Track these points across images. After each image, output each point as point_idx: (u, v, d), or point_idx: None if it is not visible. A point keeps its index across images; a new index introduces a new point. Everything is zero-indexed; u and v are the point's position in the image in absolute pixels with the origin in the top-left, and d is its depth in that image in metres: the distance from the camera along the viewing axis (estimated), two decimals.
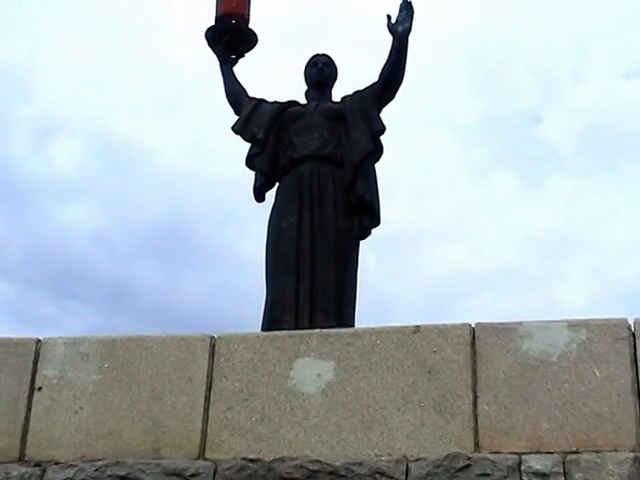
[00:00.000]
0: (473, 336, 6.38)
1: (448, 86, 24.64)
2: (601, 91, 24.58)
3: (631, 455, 5.78)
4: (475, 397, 6.21)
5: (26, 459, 6.48)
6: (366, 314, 8.22)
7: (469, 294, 22.97)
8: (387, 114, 8.68)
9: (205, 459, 6.28)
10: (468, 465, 5.91)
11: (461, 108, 24.99)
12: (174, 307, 23.48)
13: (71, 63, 24.92)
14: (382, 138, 8.61)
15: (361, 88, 8.82)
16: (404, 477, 5.96)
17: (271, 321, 7.98)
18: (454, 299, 22.43)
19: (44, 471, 6.34)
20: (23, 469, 6.37)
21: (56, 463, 6.36)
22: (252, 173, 8.83)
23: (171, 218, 24.81)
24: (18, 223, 25.07)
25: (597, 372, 6.11)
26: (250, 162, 8.83)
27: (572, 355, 6.19)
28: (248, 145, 8.84)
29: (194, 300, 23.35)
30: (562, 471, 5.79)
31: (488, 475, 5.86)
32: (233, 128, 8.91)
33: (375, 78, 8.78)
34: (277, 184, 8.76)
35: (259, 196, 8.85)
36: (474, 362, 6.30)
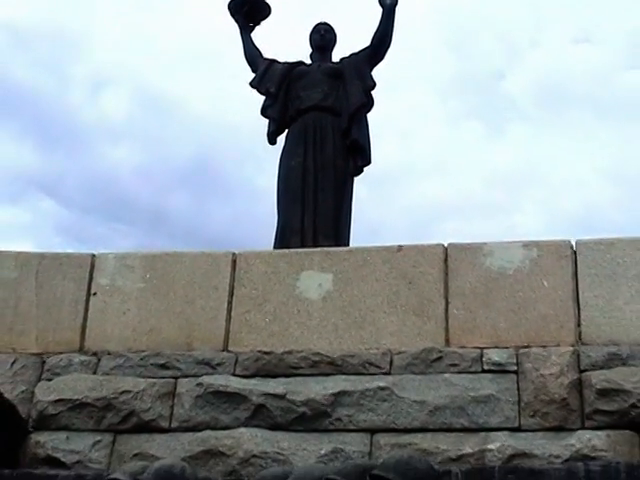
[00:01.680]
0: (446, 254, 6.46)
1: (428, 48, 24.46)
2: (554, 54, 24.44)
3: (570, 349, 5.90)
4: (446, 303, 6.31)
5: (85, 350, 6.56)
6: (359, 236, 8.29)
7: (443, 220, 22.94)
8: (377, 72, 8.71)
9: (228, 351, 6.37)
10: (440, 357, 6.03)
11: (438, 66, 24.93)
12: (202, 230, 23.51)
13: (118, 27, 24.77)
14: (373, 92, 8.64)
15: (356, 51, 8.82)
16: (389, 367, 6.07)
17: (281, 242, 8.03)
18: (431, 224, 22.43)
19: (99, 360, 6.43)
20: (83, 357, 6.46)
21: (109, 353, 6.45)
22: (266, 120, 8.84)
23: (200, 156, 24.77)
24: (76, 160, 24.98)
25: (545, 283, 6.20)
26: (264, 111, 8.84)
27: (525, 269, 6.28)
28: (263, 97, 8.86)
29: (218, 224, 23.36)
30: (515, 362, 5.91)
31: (456, 365, 5.99)
32: (251, 83, 8.92)
33: (367, 43, 8.79)
34: (286, 130, 8.79)
35: (272, 140, 8.86)
36: (446, 275, 6.39)
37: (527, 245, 6.37)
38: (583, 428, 5.67)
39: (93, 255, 6.93)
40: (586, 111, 24.69)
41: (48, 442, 6.08)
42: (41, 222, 24.14)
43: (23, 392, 6.33)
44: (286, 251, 7.02)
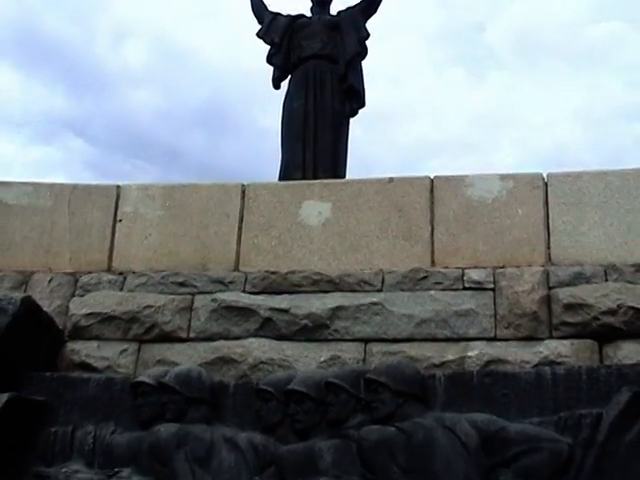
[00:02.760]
0: (432, 185, 6.45)
1: (416, 1, 24.23)
2: (530, 8, 24.21)
3: (541, 269, 5.95)
4: (432, 229, 6.32)
5: (112, 270, 6.60)
6: (354, 171, 8.26)
7: (430, 157, 22.88)
8: (371, 23, 8.62)
9: (239, 271, 6.40)
10: (426, 276, 6.06)
11: (425, 18, 24.71)
12: (214, 165, 23.54)
13: None
14: (367, 42, 8.55)
15: (352, 5, 8.72)
16: (380, 284, 6.11)
17: (285, 175, 7.98)
18: (418, 161, 22.36)
19: (125, 278, 6.47)
20: (110, 276, 6.51)
21: (133, 273, 6.49)
22: (271, 67, 8.76)
23: (212, 100, 24.72)
24: (102, 103, 24.89)
25: (519, 211, 6.22)
26: (269, 59, 8.75)
27: (502, 199, 6.29)
28: (268, 47, 8.77)
29: (229, 160, 23.36)
30: (492, 280, 5.95)
31: (440, 283, 6.02)
32: (257, 34, 8.81)
33: None
34: (289, 76, 8.72)
35: (276, 85, 8.78)
36: (432, 204, 6.39)
37: (504, 177, 6.37)
38: (551, 338, 5.72)
39: (118, 186, 6.91)
40: (558, 60, 24.50)
41: (82, 350, 6.13)
42: (71, 159, 24.11)
43: (59, 306, 6.36)
44: (289, 183, 7.02)
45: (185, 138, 24.92)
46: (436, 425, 5.00)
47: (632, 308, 5.59)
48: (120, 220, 6.77)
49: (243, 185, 6.74)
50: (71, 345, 6.17)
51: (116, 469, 5.37)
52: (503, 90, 24.49)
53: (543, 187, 6.29)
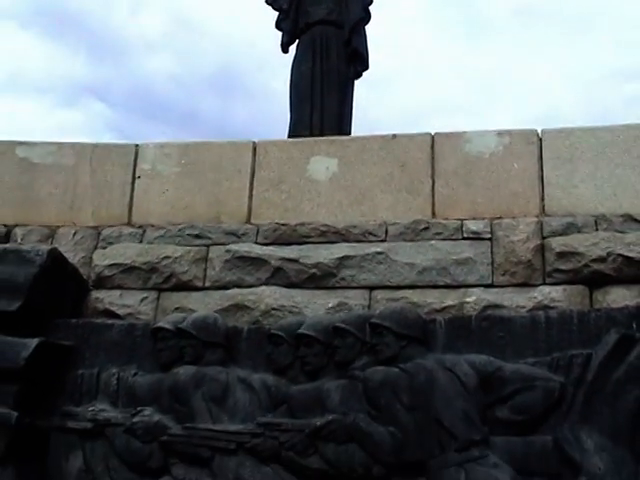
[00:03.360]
0: (432, 141, 6.39)
1: None
2: None
3: (535, 219, 5.92)
4: (433, 182, 6.27)
5: (132, 223, 6.57)
6: (358, 130, 8.16)
7: (430, 117, 22.61)
8: None
9: (251, 224, 6.36)
10: (427, 227, 6.03)
11: None
12: (227, 126, 23.42)
13: None
14: (370, 7, 8.45)
15: None
16: (384, 235, 6.08)
17: (294, 134, 7.92)
18: (419, 120, 22.11)
19: (144, 231, 6.45)
20: (130, 229, 6.49)
21: (152, 226, 6.46)
22: (280, 33, 8.68)
23: (224, 65, 24.55)
24: (121, 69, 24.70)
25: (515, 165, 6.17)
26: (278, 25, 8.63)
27: (499, 154, 6.24)
28: (276, 13, 8.67)
29: (241, 121, 23.18)
30: (489, 230, 5.92)
31: (440, 234, 5.99)
32: (266, 1, 8.73)
33: None
34: (297, 41, 8.63)
35: (285, 49, 8.67)
36: (432, 159, 6.33)
37: (500, 133, 6.31)
38: (544, 284, 5.71)
39: (137, 145, 6.85)
40: (554, 26, 24.14)
41: (105, 298, 6.14)
42: (93, 122, 23.99)
43: (83, 258, 6.36)
44: (298, 140, 6.95)
45: (199, 102, 24.83)
46: (437, 366, 5.02)
47: (620, 256, 5.57)
48: (139, 177, 6.72)
49: (254, 142, 6.67)
50: (95, 294, 6.18)
51: (139, 408, 5.41)
52: (500, 53, 24.25)
53: (537, 143, 6.23)
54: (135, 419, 5.35)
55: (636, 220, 5.80)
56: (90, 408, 5.46)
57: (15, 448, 5.30)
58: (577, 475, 4.67)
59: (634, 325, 4.94)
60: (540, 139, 6.24)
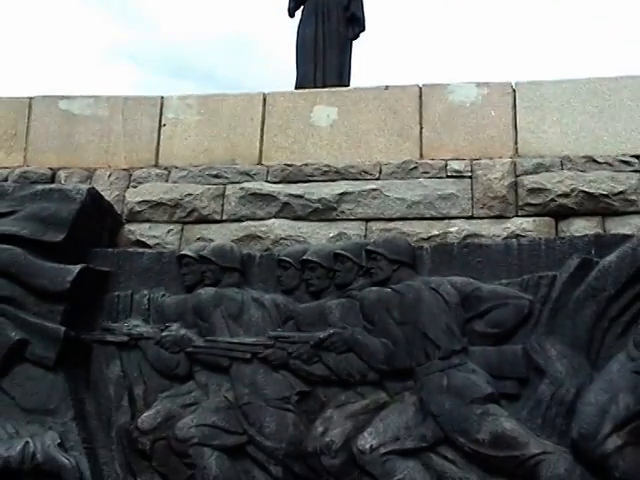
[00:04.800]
0: (420, 92, 6.26)
1: None
2: None
3: (509, 160, 5.85)
4: (421, 128, 6.16)
5: (159, 165, 6.48)
6: (356, 82, 8.06)
7: (418, 69, 22.13)
8: None
9: (262, 165, 6.28)
10: (416, 167, 5.95)
11: None
12: (241, 83, 23.15)
13: None
14: None
15: None
16: (378, 174, 5.99)
17: (299, 87, 7.84)
18: (409, 74, 21.70)
19: (169, 172, 6.37)
20: (158, 171, 6.40)
21: (176, 167, 6.38)
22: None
23: (239, 28, 24.13)
24: (149, 34, 24.33)
25: (492, 112, 6.08)
26: None
27: (478, 103, 6.13)
28: None
29: (253, 78, 22.89)
30: (470, 169, 5.84)
31: (427, 172, 5.90)
32: None
33: None
34: (302, 6, 8.45)
35: (291, 14, 8.48)
36: (420, 107, 6.22)
37: (479, 85, 6.19)
38: (517, 216, 5.67)
39: (162, 97, 6.73)
40: None
41: (136, 230, 6.10)
42: (123, 80, 23.69)
43: (117, 196, 6.29)
44: (303, 91, 6.81)
45: (217, 61, 24.49)
46: (424, 286, 5.01)
47: (582, 192, 5.56)
48: (164, 125, 6.61)
49: (264, 94, 6.54)
50: (128, 227, 6.13)
51: (167, 324, 5.43)
52: (477, 14, 23.43)
53: (512, 93, 6.12)
54: (164, 333, 5.37)
55: (596, 161, 5.74)
56: (125, 324, 5.47)
57: (64, 357, 5.34)
58: (542, 378, 4.72)
59: (592, 251, 4.95)
60: (514, 90, 6.13)
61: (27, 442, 5.12)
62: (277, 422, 5.03)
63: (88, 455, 5.18)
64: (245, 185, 6.10)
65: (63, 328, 5.33)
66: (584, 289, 4.81)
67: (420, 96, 6.26)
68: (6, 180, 6.41)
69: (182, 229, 6.10)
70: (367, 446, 4.71)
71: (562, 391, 4.64)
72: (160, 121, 6.64)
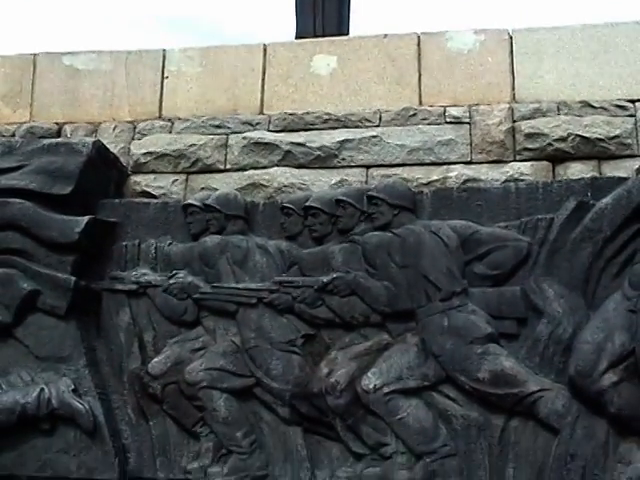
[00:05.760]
0: (418, 39, 6.07)
1: None
2: None
3: (507, 105, 5.69)
4: (419, 75, 5.99)
5: (162, 117, 6.32)
6: (355, 31, 7.86)
7: (416, 17, 21.62)
8: None
9: (263, 114, 6.13)
10: (415, 114, 5.79)
11: None
12: (244, 39, 22.78)
13: None
14: None
15: None
16: (378, 121, 5.84)
17: (299, 37, 7.63)
18: (407, 25, 21.21)
19: (173, 124, 6.21)
20: (161, 122, 6.24)
21: (179, 119, 6.22)
22: None
23: None
24: None
25: (490, 59, 5.89)
26: None
27: (476, 50, 5.94)
28: None
29: (257, 33, 22.56)
30: (468, 115, 5.69)
31: (427, 119, 5.75)
32: None
33: None
34: None
35: None
36: (419, 55, 6.03)
37: (477, 32, 5.99)
38: (514, 160, 5.55)
39: (164, 50, 6.55)
40: None
41: (142, 181, 5.98)
42: (127, 35, 23.26)
43: (122, 148, 6.15)
44: (303, 40, 6.61)
45: (221, 18, 24.05)
46: (424, 230, 4.93)
47: (578, 136, 5.44)
48: (167, 77, 6.44)
49: (264, 44, 6.35)
50: (133, 178, 6.01)
51: (174, 271, 5.36)
52: None
53: (509, 40, 5.94)
54: (171, 280, 5.30)
55: (592, 106, 5.63)
56: (134, 272, 5.40)
57: (75, 306, 5.29)
58: (540, 318, 4.70)
59: (589, 194, 4.88)
60: (511, 37, 5.94)
61: (42, 389, 5.10)
62: (283, 364, 4.99)
63: (101, 400, 5.17)
64: (247, 134, 5.95)
65: (74, 278, 5.27)
66: (581, 231, 4.74)
67: (418, 44, 6.08)
68: (13, 136, 6.29)
69: (187, 179, 5.98)
70: (371, 386, 4.68)
71: (559, 330, 4.61)
72: (163, 73, 6.47)
